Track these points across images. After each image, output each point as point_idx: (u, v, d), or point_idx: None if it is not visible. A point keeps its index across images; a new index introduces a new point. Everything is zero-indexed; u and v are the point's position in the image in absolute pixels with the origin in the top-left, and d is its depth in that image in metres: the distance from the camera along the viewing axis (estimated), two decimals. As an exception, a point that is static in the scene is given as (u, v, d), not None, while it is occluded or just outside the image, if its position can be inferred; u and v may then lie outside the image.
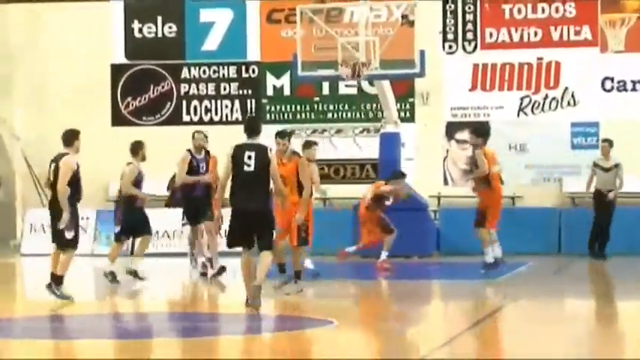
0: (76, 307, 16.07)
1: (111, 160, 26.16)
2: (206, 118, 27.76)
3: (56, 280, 16.40)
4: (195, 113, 28.27)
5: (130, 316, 16.62)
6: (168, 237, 26.30)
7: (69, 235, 15.88)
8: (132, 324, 15.73)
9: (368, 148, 27.92)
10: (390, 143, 26.29)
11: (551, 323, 16.01)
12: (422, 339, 15.10)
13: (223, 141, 17.28)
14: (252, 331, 13.96)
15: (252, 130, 14.31)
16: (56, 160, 16.59)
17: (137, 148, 19.98)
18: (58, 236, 16.08)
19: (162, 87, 28.67)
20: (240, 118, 27.98)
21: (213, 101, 27.77)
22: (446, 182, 28.77)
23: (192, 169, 20.75)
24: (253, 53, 28.81)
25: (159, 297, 19.33)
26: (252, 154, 13.82)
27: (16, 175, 29.83)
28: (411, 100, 28.48)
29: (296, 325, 15.39)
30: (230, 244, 14.72)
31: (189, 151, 19.79)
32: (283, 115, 28.64)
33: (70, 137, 16.88)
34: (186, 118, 28.05)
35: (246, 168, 13.79)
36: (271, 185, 14.47)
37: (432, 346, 13.60)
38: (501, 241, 24.47)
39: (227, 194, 14.71)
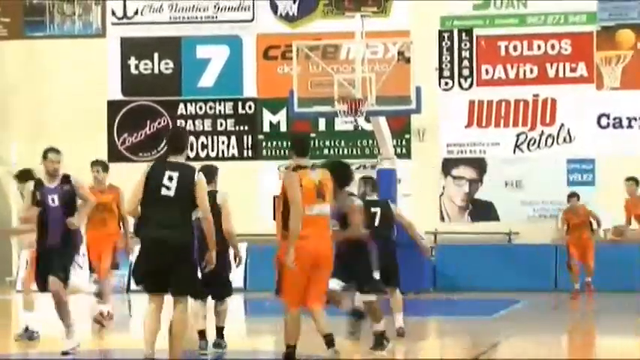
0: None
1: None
2: (202, 154, 27.57)
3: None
4: (192, 149, 27.51)
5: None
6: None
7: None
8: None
9: (364, 184, 27.90)
10: (386, 179, 25.74)
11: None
12: None
13: (220, 177, 15.67)
14: None
15: (176, 146, 11.27)
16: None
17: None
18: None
19: (159, 123, 28.69)
20: (236, 154, 28.47)
21: (209, 137, 27.73)
22: (442, 218, 28.59)
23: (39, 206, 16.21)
24: (250, 89, 28.78)
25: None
26: (175, 175, 10.88)
27: (12, 212, 29.17)
28: (407, 136, 28.44)
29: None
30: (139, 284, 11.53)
31: (37, 181, 14.64)
32: (280, 152, 28.49)
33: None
34: (182, 154, 27.86)
35: (164, 191, 10.82)
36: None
37: None
38: (498, 278, 26.00)
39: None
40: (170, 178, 10.60)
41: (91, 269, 18.45)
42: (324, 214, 11.31)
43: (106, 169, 18.97)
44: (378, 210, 15.91)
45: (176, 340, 10.65)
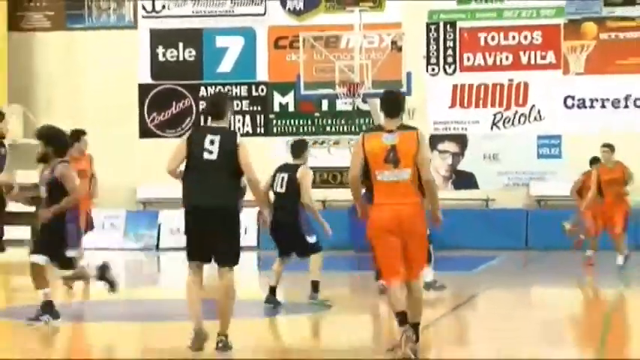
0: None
1: (138, 167, 28.06)
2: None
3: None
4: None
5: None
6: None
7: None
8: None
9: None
10: None
11: (520, 308, 16.49)
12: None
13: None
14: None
15: (217, 112, 10.06)
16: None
17: None
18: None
19: (183, 104, 28.94)
20: (250, 131, 28.49)
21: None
22: None
23: None
24: (262, 74, 28.96)
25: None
26: (217, 138, 9.70)
27: None
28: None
29: (295, 310, 15.03)
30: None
31: None
32: (288, 129, 28.86)
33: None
34: (203, 131, 27.93)
35: (206, 155, 9.66)
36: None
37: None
38: (477, 238, 26.13)
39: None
40: (212, 142, 9.52)
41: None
42: (398, 180, 9.27)
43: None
44: None
45: (224, 312, 9.54)
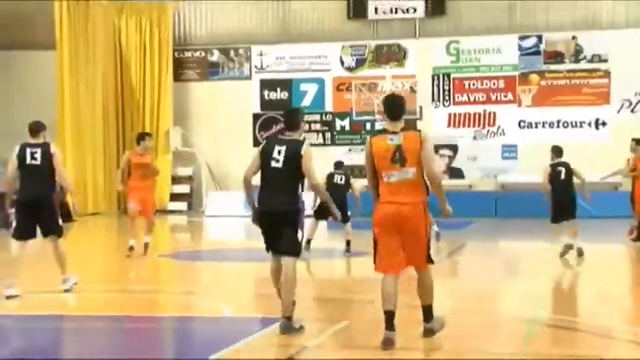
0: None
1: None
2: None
3: None
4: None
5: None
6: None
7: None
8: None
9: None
10: None
11: (493, 252, 18.06)
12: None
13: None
14: None
15: (289, 123, 8.79)
16: None
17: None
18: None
19: (279, 125, 27.80)
20: (322, 143, 29.66)
21: (307, 134, 24.16)
22: None
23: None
24: (329, 107, 30.42)
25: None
26: (283, 148, 8.43)
27: (202, 174, 31.13)
28: None
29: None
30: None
31: None
32: (346, 141, 29.79)
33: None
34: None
35: (273, 164, 8.42)
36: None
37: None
38: (462, 210, 25.34)
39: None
40: (279, 152, 8.34)
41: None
42: (403, 179, 7.74)
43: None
44: (562, 169, 15.21)
45: (286, 294, 8.39)
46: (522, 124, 29.46)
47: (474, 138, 29.77)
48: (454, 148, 29.97)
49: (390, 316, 7.61)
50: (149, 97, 31.06)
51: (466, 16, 29.58)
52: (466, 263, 16.18)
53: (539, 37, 29.17)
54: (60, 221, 10.87)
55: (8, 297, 10.24)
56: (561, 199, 15.11)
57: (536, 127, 29.06)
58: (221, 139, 31.13)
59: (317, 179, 8.52)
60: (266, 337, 8.45)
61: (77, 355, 8.03)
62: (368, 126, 29.83)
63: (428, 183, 7.93)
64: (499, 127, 29.58)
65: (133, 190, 15.30)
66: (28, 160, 10.42)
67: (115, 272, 14.36)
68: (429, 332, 8.04)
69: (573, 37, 29.01)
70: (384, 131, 7.89)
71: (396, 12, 29.64)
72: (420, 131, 7.98)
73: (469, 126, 29.86)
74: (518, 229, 22.99)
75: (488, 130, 29.62)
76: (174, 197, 30.49)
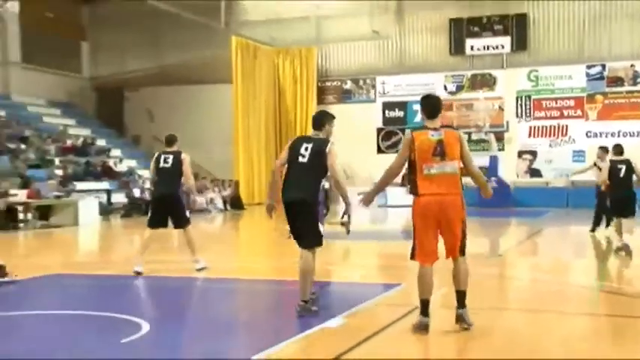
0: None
1: (375, 166, 24.34)
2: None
3: None
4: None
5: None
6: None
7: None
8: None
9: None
10: (494, 161, 27.65)
11: (569, 237, 17.11)
12: (502, 241, 15.56)
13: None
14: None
15: (316, 124, 7.47)
16: None
17: None
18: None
19: (395, 137, 29.76)
20: None
21: None
22: (530, 174, 28.86)
23: None
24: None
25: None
26: (310, 145, 7.18)
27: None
28: (503, 141, 29.31)
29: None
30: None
31: None
32: None
33: None
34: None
35: (300, 159, 7.16)
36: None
37: (507, 245, 14.34)
38: (539, 203, 25.76)
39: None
40: (306, 149, 7.15)
41: None
42: (444, 172, 6.33)
43: None
44: (623, 167, 11.92)
45: (302, 280, 7.11)
46: (589, 134, 28.67)
47: (550, 145, 29.18)
48: (534, 154, 29.44)
49: (426, 303, 6.37)
50: (299, 116, 31.65)
51: (543, 51, 29.15)
52: (543, 244, 15.58)
53: (603, 66, 28.50)
54: (187, 213, 10.28)
55: (136, 273, 9.86)
56: (619, 195, 11.89)
57: (600, 136, 27.99)
58: (352, 147, 29.78)
59: (339, 176, 7.22)
60: (386, 298, 8.23)
61: (264, 306, 8.10)
62: (466, 136, 29.09)
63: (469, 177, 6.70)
64: (570, 136, 28.93)
65: None
66: (162, 164, 10.10)
67: (275, 249, 14.05)
68: (461, 319, 6.38)
69: (631, 65, 28.32)
70: (424, 127, 6.51)
71: (487, 49, 29.53)
72: (457, 129, 6.78)
73: (546, 136, 29.32)
74: (586, 217, 19.65)
75: (561, 139, 29.02)
76: (317, 191, 30.50)
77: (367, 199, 6.53)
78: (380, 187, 6.58)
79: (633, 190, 11.92)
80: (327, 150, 7.14)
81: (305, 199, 7.09)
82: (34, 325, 7.00)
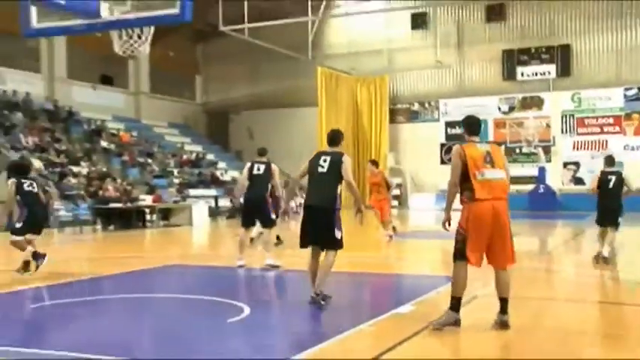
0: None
1: (439, 174, 27.54)
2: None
3: None
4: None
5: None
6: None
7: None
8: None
9: (533, 171, 27.73)
10: (542, 172, 27.21)
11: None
12: (550, 241, 14.68)
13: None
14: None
15: (332, 141, 7.14)
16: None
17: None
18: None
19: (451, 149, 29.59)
20: None
21: None
22: (578, 182, 27.72)
23: None
24: (491, 137, 28.56)
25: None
26: (328, 158, 6.92)
27: (407, 182, 30.72)
28: (550, 153, 28.43)
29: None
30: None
31: None
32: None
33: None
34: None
35: (319, 170, 6.89)
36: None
37: (554, 244, 13.75)
38: (582, 208, 19.15)
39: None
40: (325, 160, 6.91)
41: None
42: (495, 178, 5.66)
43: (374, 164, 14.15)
44: (613, 177, 10.35)
45: (321, 275, 6.74)
46: (626, 147, 27.98)
47: (592, 157, 28.07)
48: (577, 165, 28.83)
49: (459, 301, 5.73)
50: (374, 134, 31.48)
51: (585, 76, 28.51)
52: (586, 243, 14.63)
53: (639, 88, 27.85)
54: (272, 216, 9.99)
55: (239, 266, 9.67)
56: (607, 205, 10.35)
57: (637, 149, 27.64)
58: (419, 160, 31.07)
59: (352, 179, 6.87)
60: (449, 288, 7.96)
61: (345, 294, 7.67)
62: (517, 150, 29.15)
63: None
64: (608, 149, 27.66)
65: (374, 201, 13.90)
66: (255, 172, 9.85)
67: (358, 246, 12.78)
68: (501, 324, 5.70)
69: (664, 87, 27.67)
70: (470, 142, 5.83)
71: (536, 75, 29.01)
72: (498, 144, 5.62)
73: (588, 149, 28.61)
74: (623, 220, 20.97)
75: (601, 152, 27.40)
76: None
77: (446, 220, 5.86)
78: (449, 204, 5.83)
79: (620, 202, 10.49)
80: (342, 160, 6.95)
81: (324, 206, 6.79)
82: (158, 305, 7.23)
